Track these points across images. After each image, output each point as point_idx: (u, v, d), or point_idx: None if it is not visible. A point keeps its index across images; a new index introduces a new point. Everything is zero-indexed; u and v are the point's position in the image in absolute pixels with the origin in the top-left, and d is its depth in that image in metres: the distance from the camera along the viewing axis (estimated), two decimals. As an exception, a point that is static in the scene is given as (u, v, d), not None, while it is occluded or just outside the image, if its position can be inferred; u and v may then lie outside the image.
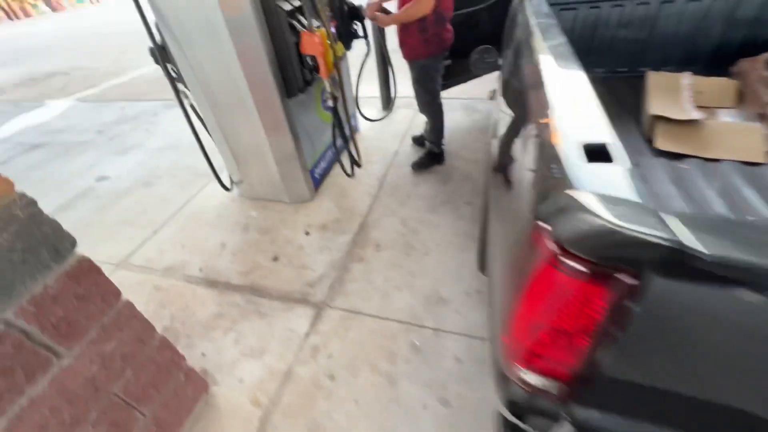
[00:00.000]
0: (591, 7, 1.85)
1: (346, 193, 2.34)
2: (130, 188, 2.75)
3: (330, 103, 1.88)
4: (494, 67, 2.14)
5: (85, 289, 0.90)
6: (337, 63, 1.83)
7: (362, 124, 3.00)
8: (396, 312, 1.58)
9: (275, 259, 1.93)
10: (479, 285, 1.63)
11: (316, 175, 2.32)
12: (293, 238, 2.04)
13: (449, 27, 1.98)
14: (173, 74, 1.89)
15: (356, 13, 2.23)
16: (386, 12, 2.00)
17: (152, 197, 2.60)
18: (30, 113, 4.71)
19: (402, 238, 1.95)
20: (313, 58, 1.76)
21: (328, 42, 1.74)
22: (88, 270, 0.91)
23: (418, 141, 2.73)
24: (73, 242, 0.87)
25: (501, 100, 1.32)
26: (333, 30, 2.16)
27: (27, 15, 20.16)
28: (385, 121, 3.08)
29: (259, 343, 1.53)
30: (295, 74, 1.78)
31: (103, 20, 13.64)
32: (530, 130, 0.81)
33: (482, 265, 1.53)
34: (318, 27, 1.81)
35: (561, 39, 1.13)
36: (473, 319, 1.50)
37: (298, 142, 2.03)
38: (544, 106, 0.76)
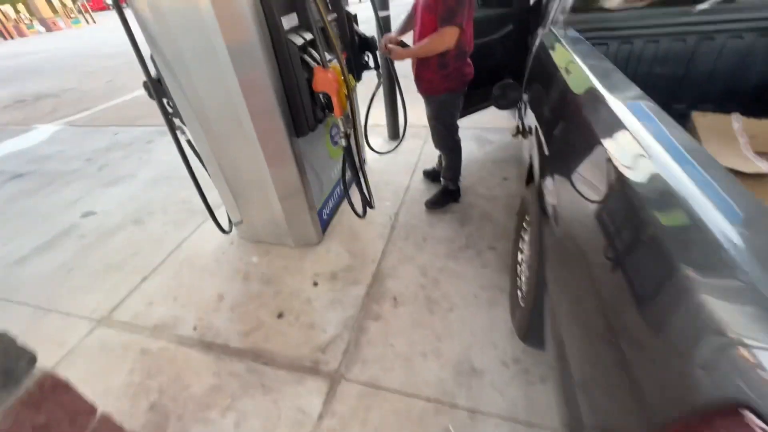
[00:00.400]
0: (623, 43, 1.74)
1: (357, 235, 2.15)
2: (118, 226, 2.53)
3: (343, 142, 1.71)
4: (516, 103, 2.01)
5: (47, 416, 0.69)
6: (350, 97, 1.67)
7: (369, 155, 2.85)
8: (423, 386, 1.37)
9: (280, 315, 1.71)
10: (517, 352, 1.43)
11: (324, 216, 2.13)
12: (300, 289, 1.83)
13: (469, 61, 1.85)
14: (169, 109, 1.72)
15: (367, 45, 2.10)
16: (403, 45, 1.87)
17: (142, 237, 2.38)
18: (15, 138, 4.49)
19: (422, 290, 1.75)
20: (326, 95, 1.60)
21: (343, 77, 1.58)
22: (52, 389, 0.70)
23: (429, 175, 2.57)
24: (31, 359, 0.66)
25: (556, 146, 1.16)
26: (344, 61, 2.03)
27: (21, 34, 20.14)
28: (393, 152, 2.93)
29: (264, 429, 1.30)
30: (305, 113, 1.61)
31: (99, 40, 13.61)
32: (638, 195, 0.63)
33: (526, 334, 1.34)
34: (331, 61, 1.66)
35: (626, 80, 1.02)
36: (514, 397, 1.30)
37: (305, 181, 1.85)
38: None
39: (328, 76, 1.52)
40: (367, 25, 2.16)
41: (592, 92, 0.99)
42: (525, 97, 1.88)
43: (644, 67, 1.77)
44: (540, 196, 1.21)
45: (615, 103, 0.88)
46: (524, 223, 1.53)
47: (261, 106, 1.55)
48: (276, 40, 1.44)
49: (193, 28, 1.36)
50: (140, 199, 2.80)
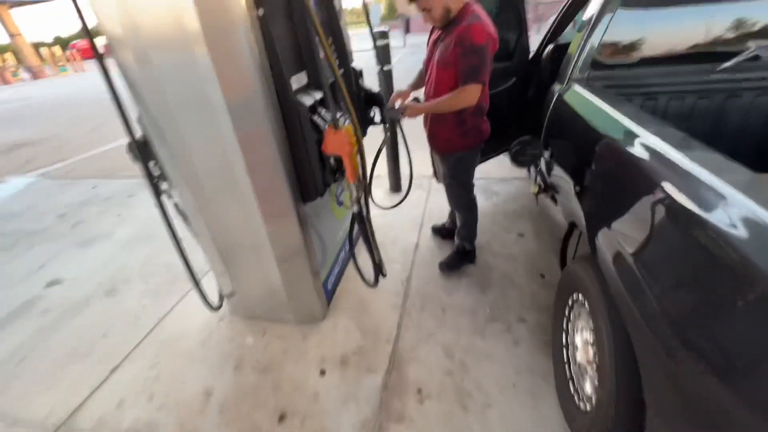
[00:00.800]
0: (647, 99, 1.66)
1: (366, 306, 1.90)
2: (87, 298, 2.21)
3: (355, 208, 1.52)
4: (536, 160, 1.90)
5: None
6: (363, 158, 1.50)
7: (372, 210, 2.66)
8: None
9: (282, 418, 1.41)
10: (579, 467, 1.17)
11: (329, 286, 1.89)
12: (304, 380, 1.54)
13: (486, 118, 1.74)
14: (156, 172, 1.51)
15: (374, 99, 1.98)
16: (417, 102, 1.75)
17: (115, 312, 2.07)
18: (-18, 193, 4.15)
19: (449, 378, 1.49)
20: (337, 157, 1.43)
21: (356, 137, 1.42)
22: None
23: (439, 232, 2.39)
24: None
25: (619, 206, 1.02)
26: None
27: (6, 82, 20.05)
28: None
29: None
30: (314, 178, 1.43)
31: (85, 88, 13.58)
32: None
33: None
34: (342, 120, 1.51)
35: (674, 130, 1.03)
36: None
37: (309, 247, 1.62)
38: None
39: (340, 138, 1.36)
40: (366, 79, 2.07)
41: (652, 147, 0.96)
42: (546, 153, 1.76)
43: (670, 123, 1.69)
44: (603, 272, 1.03)
45: (683, 155, 0.87)
46: (571, 302, 1.33)
47: (263, 169, 1.35)
48: (284, 101, 1.28)
49: (188, 83, 1.18)
50: (115, 264, 2.50)
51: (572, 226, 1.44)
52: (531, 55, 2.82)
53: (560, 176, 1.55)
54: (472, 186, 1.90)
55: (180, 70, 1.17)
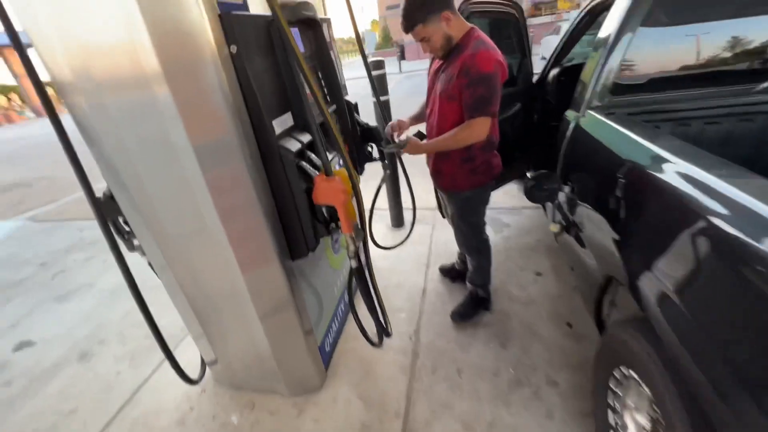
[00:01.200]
0: (678, 125, 1.48)
1: (370, 369, 1.65)
2: (58, 364, 1.97)
3: (353, 263, 1.30)
4: (554, 196, 1.71)
5: None
6: (360, 203, 1.30)
7: (372, 250, 2.45)
8: None
9: None
10: None
11: (327, 347, 1.65)
12: (298, 472, 1.29)
13: (496, 152, 1.56)
14: (123, 230, 1.33)
15: (371, 135, 1.81)
16: (421, 136, 1.57)
17: (86, 382, 1.82)
18: (-35, 239, 3.97)
19: (474, 466, 1.24)
20: (330, 207, 1.23)
21: (352, 182, 1.23)
22: None
23: (449, 273, 2.16)
24: None
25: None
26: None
27: (10, 121, 20.40)
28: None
29: None
30: (304, 232, 1.23)
31: (86, 124, 13.68)
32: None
33: None
34: (335, 163, 1.33)
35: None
36: None
37: (300, 305, 1.40)
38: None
39: (333, 186, 1.16)
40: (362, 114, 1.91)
41: (704, 181, 0.82)
42: (566, 188, 1.57)
43: (705, 150, 1.50)
44: (661, 338, 0.83)
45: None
46: (617, 376, 1.09)
47: (240, 219, 1.15)
48: (264, 146, 1.10)
49: (148, 126, 1.00)
50: (93, 321, 2.27)
51: (609, 279, 1.22)
52: (534, 78, 2.70)
53: (588, 216, 1.35)
54: (483, 226, 1.69)
55: (139, 113, 0.99)
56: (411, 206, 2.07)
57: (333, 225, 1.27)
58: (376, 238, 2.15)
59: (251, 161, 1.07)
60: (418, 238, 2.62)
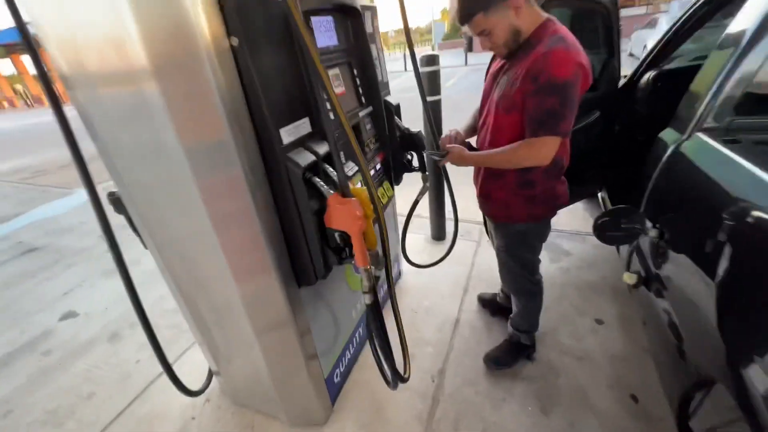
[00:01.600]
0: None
1: (382, 411, 1.45)
2: (91, 341, 2.04)
3: (366, 299, 1.10)
4: (634, 238, 1.35)
5: None
6: (383, 233, 1.09)
7: (405, 265, 2.23)
8: None
9: None
10: None
11: (336, 378, 1.48)
12: None
13: (564, 178, 1.24)
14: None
15: (412, 142, 1.58)
16: (470, 148, 1.30)
17: (109, 366, 1.86)
18: (51, 203, 4.45)
19: None
20: (344, 233, 1.04)
21: (374, 206, 1.01)
22: None
23: (489, 304, 1.88)
24: None
25: None
26: (379, 166, 1.51)
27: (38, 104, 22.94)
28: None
29: None
30: (312, 258, 1.05)
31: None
32: None
33: None
34: (352, 179, 1.13)
35: None
36: None
37: (305, 334, 1.24)
38: None
39: (347, 210, 0.96)
40: (410, 116, 1.67)
41: None
42: (652, 231, 1.22)
43: None
44: None
45: None
46: None
47: (239, 241, 1.01)
48: (270, 159, 0.93)
49: (140, 125, 0.88)
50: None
51: (705, 377, 0.89)
52: (620, 83, 2.25)
53: (682, 277, 1.01)
54: (537, 265, 1.39)
55: (131, 110, 0.87)
56: (455, 223, 1.80)
57: (346, 253, 1.07)
58: (410, 251, 1.94)
59: (251, 172, 0.90)
60: (459, 256, 2.34)
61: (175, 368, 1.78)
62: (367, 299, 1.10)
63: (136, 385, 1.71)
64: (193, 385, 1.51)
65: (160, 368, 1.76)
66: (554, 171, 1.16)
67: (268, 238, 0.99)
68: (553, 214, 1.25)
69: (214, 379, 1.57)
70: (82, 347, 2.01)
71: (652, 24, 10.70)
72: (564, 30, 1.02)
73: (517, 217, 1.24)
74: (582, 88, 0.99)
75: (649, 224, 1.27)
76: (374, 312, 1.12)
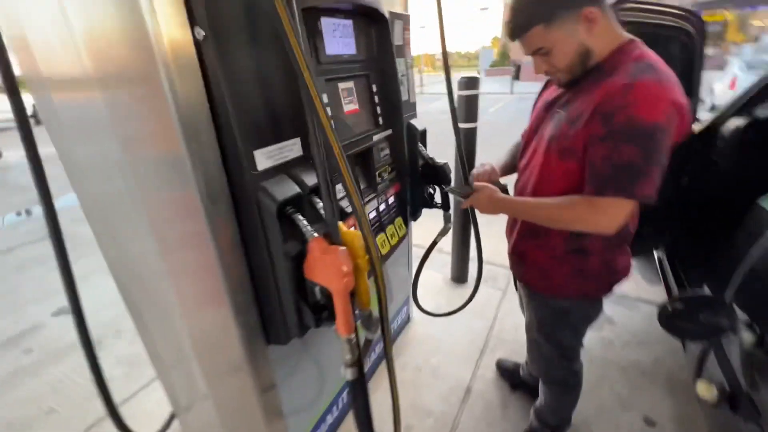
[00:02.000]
0: None
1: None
2: (73, 345, 1.92)
3: (348, 374, 0.85)
4: (716, 335, 1.02)
5: None
6: (381, 289, 0.83)
7: (415, 312, 1.95)
8: None
9: None
10: None
11: (313, 444, 1.22)
12: None
13: (627, 248, 0.95)
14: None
15: (435, 174, 1.34)
16: (503, 189, 1.03)
17: (80, 379, 1.73)
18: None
19: None
20: (325, 289, 0.80)
21: (368, 257, 0.77)
22: None
23: (509, 376, 1.56)
24: None
25: None
26: (392, 199, 1.27)
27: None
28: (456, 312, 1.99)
29: None
30: (284, 313, 0.83)
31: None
32: None
33: None
34: (347, 219, 0.91)
35: None
36: None
37: (271, 394, 1.00)
38: None
39: (330, 263, 0.73)
40: (439, 147, 1.44)
41: None
42: (747, 334, 0.90)
43: None
44: None
45: None
46: None
47: (191, 272, 0.82)
48: (238, 187, 0.72)
49: (89, 134, 0.72)
50: (121, 306, 2.22)
51: None
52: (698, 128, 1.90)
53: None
54: (578, 351, 1.08)
55: (79, 117, 0.70)
56: (478, 268, 1.51)
57: (326, 314, 0.83)
58: (424, 293, 1.67)
59: (209, 200, 0.70)
60: (480, 306, 2.03)
61: (142, 395, 1.62)
62: (348, 374, 0.85)
63: (98, 411, 1.54)
64: (156, 421, 1.33)
65: (129, 393, 1.63)
66: (617, 239, 0.88)
67: (228, 281, 0.78)
68: (609, 291, 0.95)
69: (175, 421, 1.37)
70: (62, 351, 1.90)
71: (720, 65, 9.90)
72: (653, 56, 0.76)
73: (559, 290, 0.95)
74: (676, 136, 0.72)
75: (741, 322, 0.94)
76: (357, 389, 0.86)
